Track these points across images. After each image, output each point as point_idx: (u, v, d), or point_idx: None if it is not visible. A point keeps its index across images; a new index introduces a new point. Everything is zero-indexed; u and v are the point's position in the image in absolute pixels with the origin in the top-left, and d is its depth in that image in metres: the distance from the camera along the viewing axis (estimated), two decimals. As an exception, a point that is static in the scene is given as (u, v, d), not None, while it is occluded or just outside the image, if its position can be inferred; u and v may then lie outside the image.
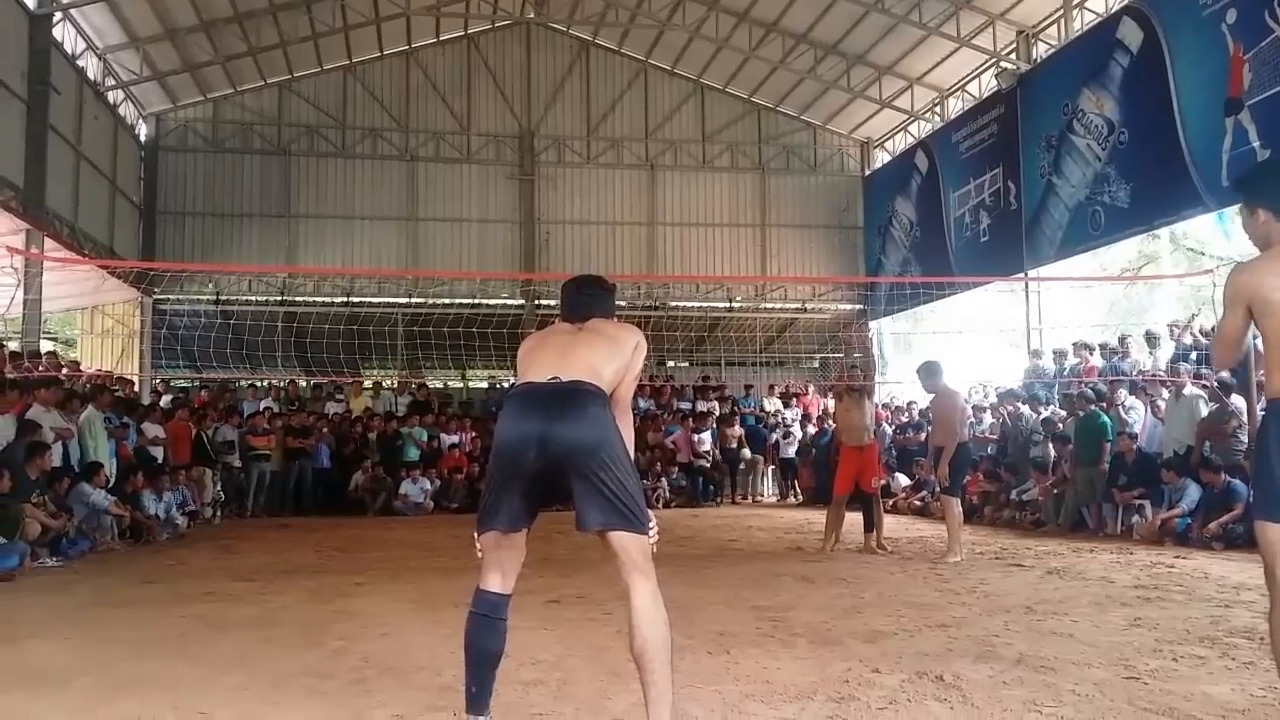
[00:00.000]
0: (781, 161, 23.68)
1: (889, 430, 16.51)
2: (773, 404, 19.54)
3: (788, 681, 4.22)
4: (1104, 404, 12.17)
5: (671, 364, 22.72)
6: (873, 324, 22.68)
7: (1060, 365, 14.62)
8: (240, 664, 4.68)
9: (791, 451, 18.20)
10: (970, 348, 19.07)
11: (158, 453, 13.15)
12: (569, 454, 3.18)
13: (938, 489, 9.55)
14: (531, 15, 22.42)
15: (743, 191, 23.58)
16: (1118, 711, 3.75)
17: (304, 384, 18.02)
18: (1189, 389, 11.29)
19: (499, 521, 3.29)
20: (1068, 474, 12.02)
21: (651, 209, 23.09)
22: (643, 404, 18.35)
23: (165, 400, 15.78)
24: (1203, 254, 22.19)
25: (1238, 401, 10.51)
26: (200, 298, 20.66)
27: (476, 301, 20.81)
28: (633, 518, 3.20)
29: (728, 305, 23.27)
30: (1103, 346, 14.24)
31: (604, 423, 3.25)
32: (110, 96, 18.80)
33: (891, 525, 11.22)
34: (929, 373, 9.38)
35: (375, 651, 4.95)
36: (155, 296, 16.96)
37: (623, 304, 20.80)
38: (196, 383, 17.99)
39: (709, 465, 17.56)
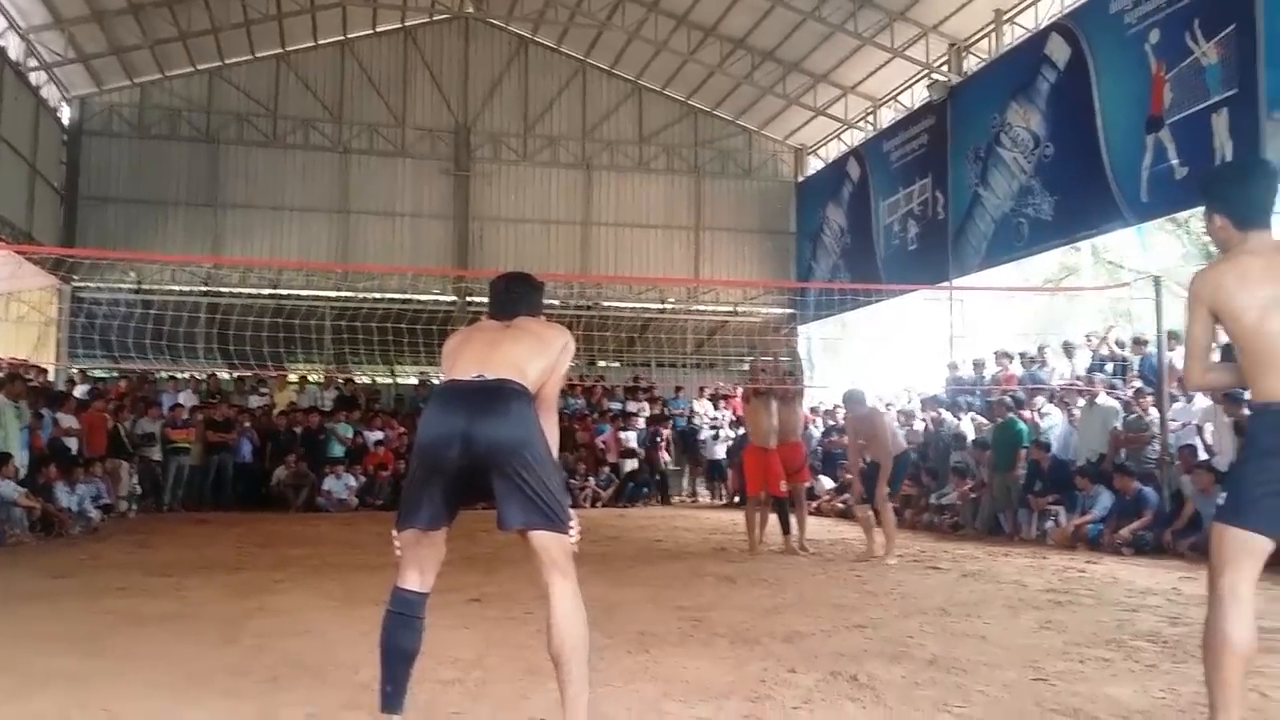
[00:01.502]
0: (717, 165, 23.77)
1: (816, 433, 16.71)
2: (702, 406, 19.71)
3: (706, 681, 4.27)
4: (1021, 411, 12.45)
5: (602, 364, 22.71)
6: (801, 329, 22.90)
7: (979, 374, 14.90)
8: (154, 661, 4.60)
9: (720, 453, 18.37)
10: (895, 354, 19.36)
11: (72, 444, 12.82)
12: (491, 452, 3.18)
13: (864, 498, 9.73)
14: (470, 10, 22.26)
15: (678, 194, 23.60)
16: (1024, 713, 3.86)
17: (226, 376, 17.66)
18: (1102, 398, 11.62)
19: (419, 519, 3.27)
20: (985, 480, 12.29)
21: (587, 209, 23.04)
22: (573, 403, 18.40)
23: (81, 390, 15.38)
24: (1122, 267, 22.87)
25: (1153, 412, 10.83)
26: (121, 286, 20.11)
27: (407, 297, 20.56)
28: (554, 517, 3.21)
29: (660, 307, 23.32)
30: (1022, 355, 14.56)
31: (528, 421, 3.25)
32: (33, 77, 18.25)
33: (814, 527, 11.34)
34: (854, 400, 9.89)
35: (293, 649, 4.90)
36: (74, 284, 16.50)
37: (555, 303, 20.79)
38: (115, 373, 17.54)
39: (636, 466, 17.64)
